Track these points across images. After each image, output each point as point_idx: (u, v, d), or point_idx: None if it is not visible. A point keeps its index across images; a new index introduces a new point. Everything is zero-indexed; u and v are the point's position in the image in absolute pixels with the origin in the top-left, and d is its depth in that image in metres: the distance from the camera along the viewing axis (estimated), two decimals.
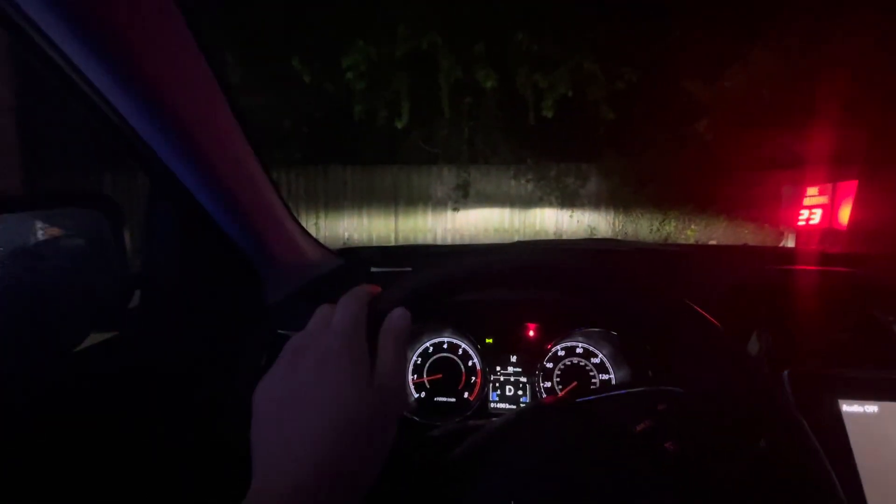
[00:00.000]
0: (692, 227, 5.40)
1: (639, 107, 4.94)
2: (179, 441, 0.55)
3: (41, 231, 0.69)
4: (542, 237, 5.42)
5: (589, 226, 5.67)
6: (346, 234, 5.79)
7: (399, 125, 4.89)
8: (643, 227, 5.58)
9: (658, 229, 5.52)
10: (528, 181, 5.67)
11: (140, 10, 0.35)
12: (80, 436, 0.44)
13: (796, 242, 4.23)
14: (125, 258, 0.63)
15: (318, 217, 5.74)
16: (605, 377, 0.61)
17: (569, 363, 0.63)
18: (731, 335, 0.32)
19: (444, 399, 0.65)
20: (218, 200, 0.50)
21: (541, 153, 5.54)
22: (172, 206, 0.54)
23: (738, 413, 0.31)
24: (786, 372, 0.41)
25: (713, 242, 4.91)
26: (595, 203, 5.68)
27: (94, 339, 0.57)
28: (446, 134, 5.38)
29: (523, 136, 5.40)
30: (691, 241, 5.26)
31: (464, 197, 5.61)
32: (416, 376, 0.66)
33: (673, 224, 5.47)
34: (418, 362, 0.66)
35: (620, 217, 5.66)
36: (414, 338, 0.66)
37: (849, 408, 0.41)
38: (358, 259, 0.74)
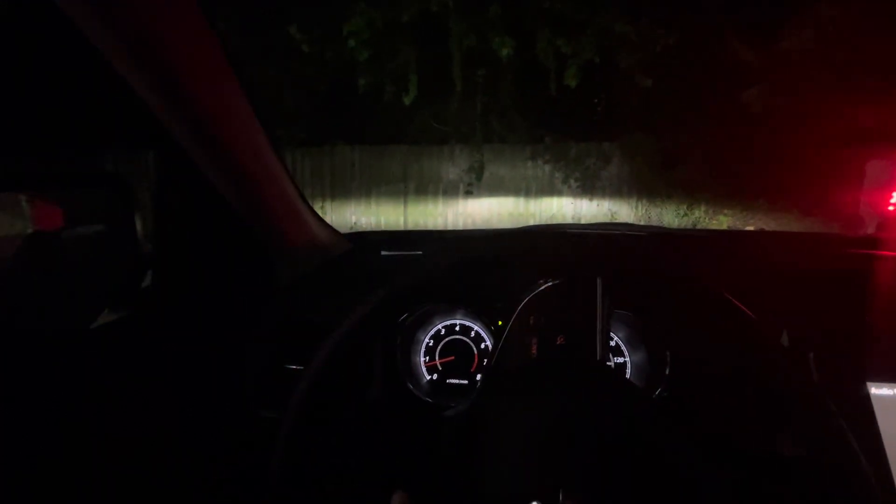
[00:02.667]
0: (725, 211, 5.25)
1: (675, 76, 4.50)
2: (188, 418, 0.59)
3: (53, 210, 0.73)
4: (560, 222, 5.36)
5: (609, 210, 5.59)
6: (354, 219, 5.83)
7: (407, 101, 4.77)
8: (668, 213, 5.46)
9: (685, 214, 5.39)
10: (545, 162, 5.58)
11: None
12: (91, 409, 0.48)
13: (879, 229, 3.66)
14: (136, 238, 0.66)
15: (324, 201, 5.78)
16: (621, 360, 0.63)
17: None
18: (764, 324, 0.33)
19: (457, 381, 0.68)
20: (229, 181, 0.52)
21: (559, 132, 5.41)
22: (183, 186, 0.57)
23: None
24: (811, 354, 0.42)
25: (749, 229, 4.76)
26: (616, 186, 5.57)
27: (107, 317, 0.60)
28: (458, 110, 5.25)
29: (541, 113, 5.26)
30: (723, 227, 5.12)
31: (477, 179, 5.55)
32: (427, 359, 0.68)
33: (703, 208, 5.33)
34: (430, 344, 0.69)
35: (644, 201, 5.55)
36: (426, 320, 0.68)
37: (878, 390, 0.42)
38: (369, 243, 0.77)
